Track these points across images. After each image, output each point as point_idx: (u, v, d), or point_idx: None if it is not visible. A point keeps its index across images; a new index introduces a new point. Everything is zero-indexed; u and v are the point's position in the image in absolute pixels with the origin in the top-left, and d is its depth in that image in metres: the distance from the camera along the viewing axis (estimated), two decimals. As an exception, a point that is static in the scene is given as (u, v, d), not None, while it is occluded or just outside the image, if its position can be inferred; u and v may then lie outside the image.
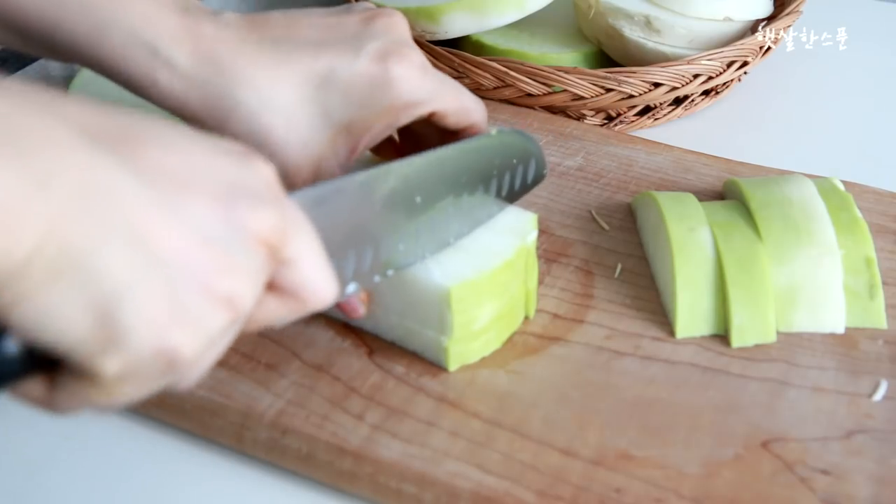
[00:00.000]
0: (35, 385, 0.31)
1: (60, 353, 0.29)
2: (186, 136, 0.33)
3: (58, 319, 0.28)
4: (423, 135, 0.52)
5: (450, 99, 0.48)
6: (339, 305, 0.46)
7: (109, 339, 0.29)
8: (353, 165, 0.47)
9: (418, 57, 0.47)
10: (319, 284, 0.36)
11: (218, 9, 0.46)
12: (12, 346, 0.29)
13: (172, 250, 0.30)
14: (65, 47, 0.44)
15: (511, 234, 0.50)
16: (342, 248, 0.41)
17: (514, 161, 0.52)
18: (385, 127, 0.46)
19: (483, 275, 0.47)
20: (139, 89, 0.44)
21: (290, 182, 0.44)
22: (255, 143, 0.44)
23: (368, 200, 0.43)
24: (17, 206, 0.27)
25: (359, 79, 0.45)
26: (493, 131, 0.52)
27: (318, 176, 0.45)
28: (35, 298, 0.28)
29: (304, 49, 0.45)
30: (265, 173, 0.34)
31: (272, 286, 0.35)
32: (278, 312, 0.36)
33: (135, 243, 0.29)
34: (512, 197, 0.52)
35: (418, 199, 0.45)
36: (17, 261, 0.27)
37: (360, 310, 0.47)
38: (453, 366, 0.49)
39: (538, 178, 0.53)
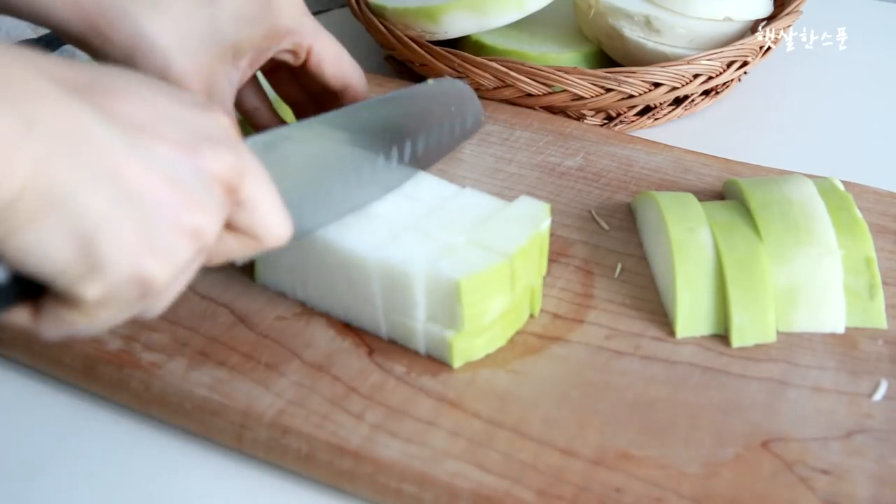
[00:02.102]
0: (22, 312, 0.34)
1: (46, 280, 0.32)
2: (151, 86, 0.36)
3: (44, 250, 0.31)
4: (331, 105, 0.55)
5: (328, 44, 0.53)
6: None
7: (90, 266, 0.32)
8: (240, 86, 0.51)
9: (300, 0, 0.52)
10: (274, 223, 0.39)
11: None
12: (1, 275, 0.31)
13: (144, 187, 0.33)
14: None
15: (525, 221, 0.50)
16: (294, 191, 0.43)
17: (452, 108, 0.56)
18: (268, 48, 0.50)
19: (494, 266, 0.47)
20: (33, 12, 0.46)
21: None
22: (144, 50, 0.47)
23: (314, 146, 0.46)
24: (8, 147, 0.29)
25: (245, 0, 0.49)
26: (430, 81, 0.57)
27: (208, 91, 0.48)
28: (24, 231, 0.30)
29: None
30: (223, 121, 0.37)
31: (231, 226, 0.38)
32: (237, 250, 0.39)
33: (110, 181, 0.32)
34: (452, 143, 0.56)
35: (359, 147, 0.49)
36: (7, 197, 0.29)
37: None
38: (457, 362, 0.49)
39: (476, 124, 0.59)
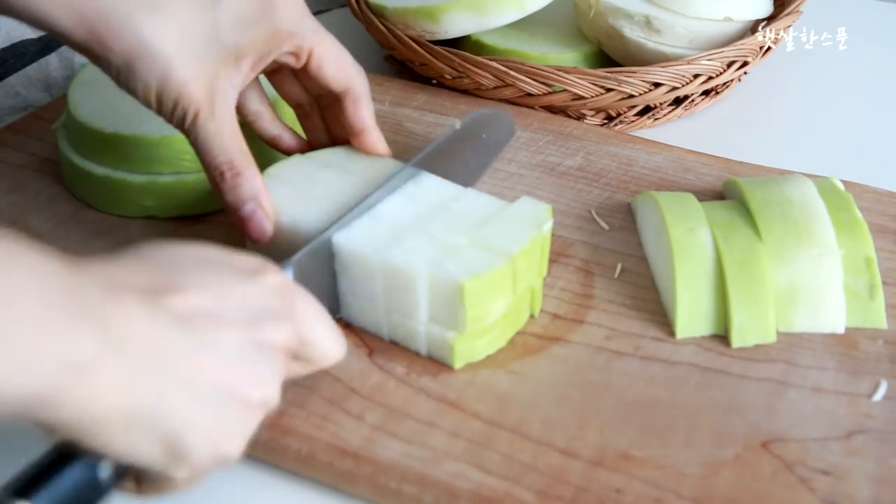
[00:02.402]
0: (128, 483, 0.38)
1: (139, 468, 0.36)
2: (209, 265, 0.39)
3: (136, 452, 0.35)
4: (337, 115, 0.56)
5: (329, 46, 0.53)
6: (241, 225, 0.51)
7: (177, 458, 0.36)
8: (245, 89, 0.53)
9: (301, 2, 0.53)
10: (330, 351, 0.42)
11: None
12: (107, 471, 0.36)
13: (215, 380, 0.36)
14: None
15: (527, 223, 0.50)
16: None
17: (484, 135, 0.59)
18: (269, 51, 0.51)
19: (497, 267, 0.47)
20: (33, 16, 0.46)
21: (186, 97, 0.48)
22: (146, 56, 0.47)
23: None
24: (99, 369, 0.32)
25: (246, 3, 0.50)
26: (457, 125, 0.58)
27: (210, 96, 0.49)
28: (116, 442, 0.34)
29: None
30: (275, 282, 0.40)
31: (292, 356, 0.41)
32: (297, 373, 0.43)
33: (187, 387, 0.35)
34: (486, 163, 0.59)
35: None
36: (99, 413, 0.32)
37: (265, 227, 0.50)
38: (458, 363, 0.49)
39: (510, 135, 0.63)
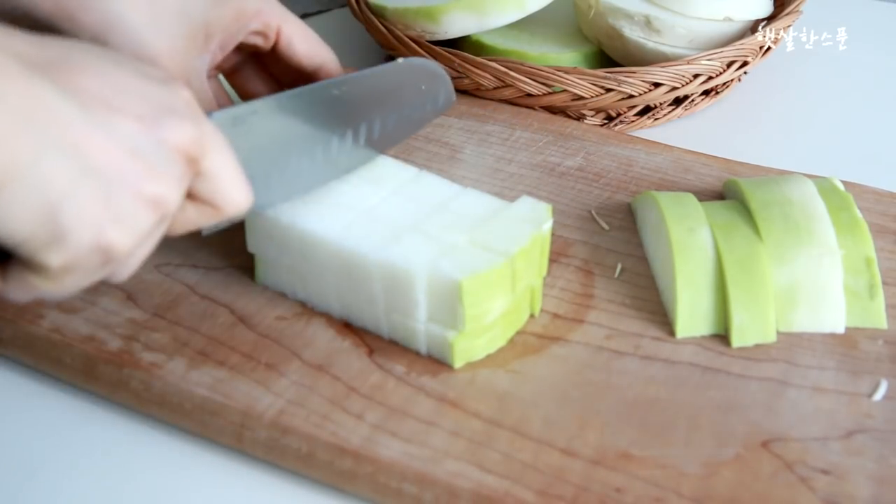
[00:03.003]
0: None
1: (12, 247, 0.33)
2: (114, 61, 0.37)
3: (8, 219, 0.32)
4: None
5: (297, 24, 0.53)
6: None
7: (53, 236, 0.33)
8: (211, 67, 0.52)
9: None
10: (234, 193, 0.40)
11: None
12: None
13: (105, 160, 0.34)
14: None
15: (526, 222, 0.50)
16: (252, 165, 0.44)
17: (423, 87, 0.56)
18: (237, 30, 0.50)
19: (495, 266, 0.47)
20: None
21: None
22: (116, 30, 0.46)
23: (283, 121, 0.48)
24: None
25: None
26: (400, 60, 0.56)
27: (186, 72, 0.48)
28: None
29: None
30: (184, 94, 0.38)
31: (192, 195, 0.39)
32: (198, 219, 0.40)
33: (72, 155, 0.33)
34: (422, 120, 0.57)
35: (322, 124, 0.50)
36: None
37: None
38: (458, 362, 0.49)
39: (447, 103, 0.59)
